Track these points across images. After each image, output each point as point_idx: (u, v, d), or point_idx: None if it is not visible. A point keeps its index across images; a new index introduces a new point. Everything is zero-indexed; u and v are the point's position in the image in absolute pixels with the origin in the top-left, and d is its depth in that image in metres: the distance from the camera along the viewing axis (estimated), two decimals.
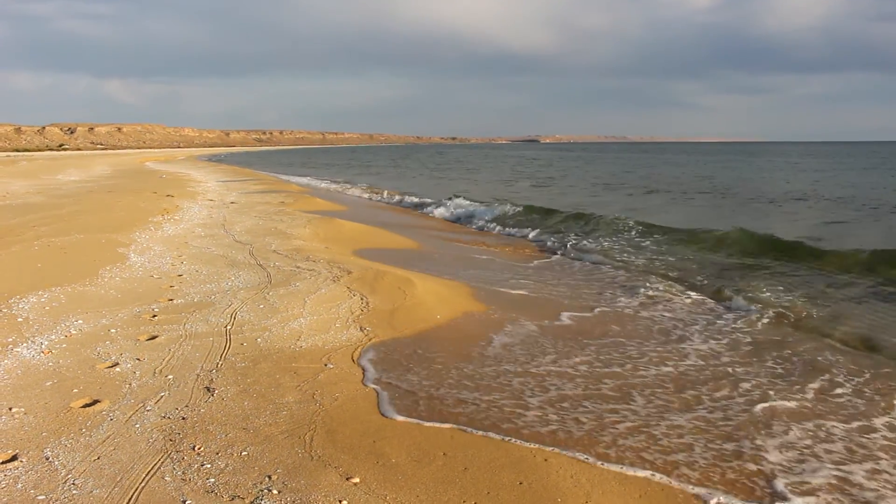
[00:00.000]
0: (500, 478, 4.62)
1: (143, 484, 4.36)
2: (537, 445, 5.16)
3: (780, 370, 7.19)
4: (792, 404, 6.21)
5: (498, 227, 20.06)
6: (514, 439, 5.25)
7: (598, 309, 9.66)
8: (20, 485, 4.34)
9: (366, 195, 33.02)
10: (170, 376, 6.26)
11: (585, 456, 5.06)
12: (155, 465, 4.62)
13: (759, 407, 6.11)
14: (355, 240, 15.54)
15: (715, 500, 4.53)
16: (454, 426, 5.44)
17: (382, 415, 5.61)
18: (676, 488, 4.68)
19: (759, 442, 5.41)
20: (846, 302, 10.23)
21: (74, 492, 4.26)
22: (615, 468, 4.90)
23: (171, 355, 6.85)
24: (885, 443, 5.49)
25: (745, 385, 6.68)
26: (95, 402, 5.65)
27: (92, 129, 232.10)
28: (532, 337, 8.09)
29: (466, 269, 12.60)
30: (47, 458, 4.68)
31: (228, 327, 7.83)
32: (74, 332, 7.52)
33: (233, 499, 4.23)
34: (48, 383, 6.01)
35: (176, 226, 16.56)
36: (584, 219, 19.64)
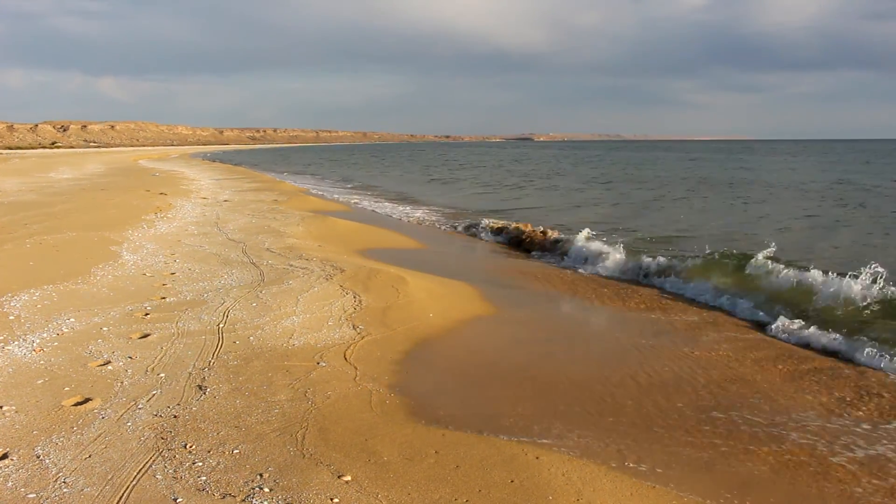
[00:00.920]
0: (491, 476, 4.63)
1: (134, 482, 4.36)
2: (529, 439, 5.18)
3: None
4: None
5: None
6: (504, 436, 5.27)
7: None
8: (11, 483, 4.33)
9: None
10: (162, 374, 6.25)
11: (577, 454, 5.07)
12: (146, 463, 4.61)
13: None
14: (349, 238, 15.54)
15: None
16: (445, 429, 5.46)
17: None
18: (669, 488, 4.70)
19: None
20: None
21: (65, 490, 4.26)
22: (606, 466, 4.92)
23: (164, 353, 6.84)
24: None
25: None
26: (87, 400, 5.64)
27: (85, 126, 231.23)
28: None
29: None
30: (38, 457, 4.67)
31: (221, 325, 7.82)
32: (66, 330, 7.50)
33: (224, 497, 4.22)
34: (39, 381, 6.00)
35: (169, 224, 16.53)
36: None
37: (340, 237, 15.57)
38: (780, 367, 7.29)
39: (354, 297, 9.13)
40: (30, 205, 19.95)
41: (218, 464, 4.63)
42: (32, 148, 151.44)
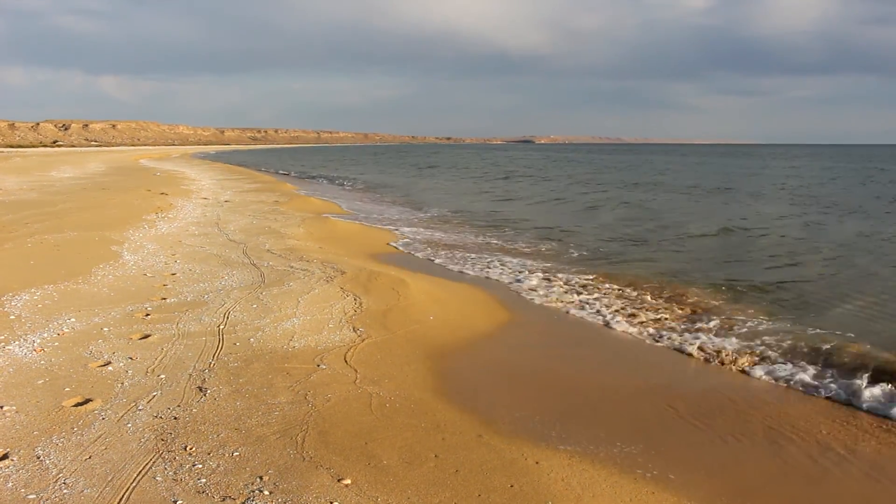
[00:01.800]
0: (491, 480, 4.63)
1: (134, 484, 4.36)
2: (527, 442, 5.18)
3: None
4: None
5: None
6: (504, 440, 5.27)
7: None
8: (11, 483, 4.33)
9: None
10: (162, 376, 6.26)
11: (577, 459, 5.08)
12: (146, 464, 4.62)
13: None
14: (350, 240, 15.55)
15: None
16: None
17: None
18: (668, 493, 4.70)
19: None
20: None
21: (65, 491, 4.26)
22: (606, 472, 4.92)
23: (164, 354, 6.84)
24: None
25: None
26: (87, 401, 5.65)
27: (86, 125, 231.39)
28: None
29: None
30: (38, 457, 4.68)
31: (221, 327, 7.82)
32: (67, 330, 7.50)
33: (224, 499, 4.23)
34: (40, 382, 6.00)
35: (170, 224, 16.54)
36: None
37: (341, 239, 15.57)
38: None
39: (355, 300, 9.13)
40: (31, 203, 19.97)
41: (218, 466, 4.63)
42: (34, 146, 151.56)
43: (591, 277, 11.73)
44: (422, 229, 18.39)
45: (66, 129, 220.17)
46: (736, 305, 9.79)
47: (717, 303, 9.93)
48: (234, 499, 4.24)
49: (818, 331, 8.41)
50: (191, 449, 4.86)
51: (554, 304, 10.02)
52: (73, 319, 7.89)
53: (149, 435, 5.06)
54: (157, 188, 27.79)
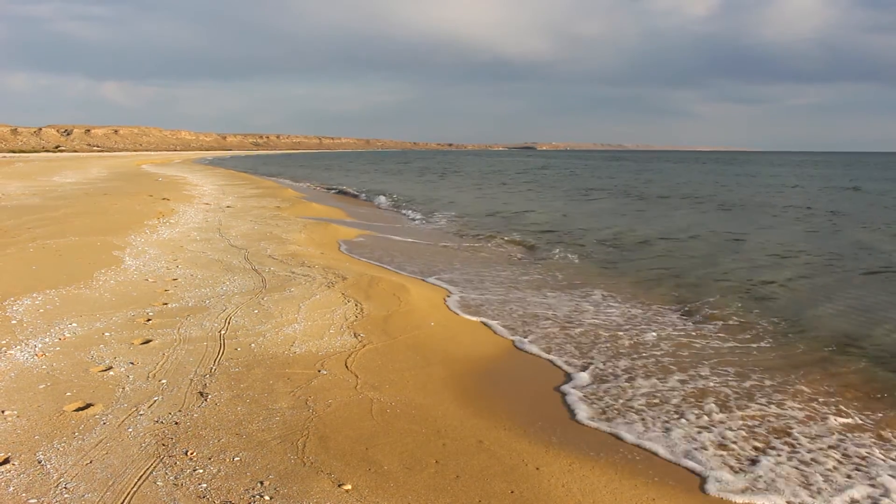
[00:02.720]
0: (491, 486, 4.64)
1: (135, 489, 4.37)
2: (528, 448, 5.19)
3: None
4: None
5: None
6: (503, 445, 5.27)
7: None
8: (12, 488, 4.34)
9: None
10: (163, 381, 6.27)
11: (577, 465, 5.08)
12: (147, 469, 4.62)
13: None
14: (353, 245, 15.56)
15: None
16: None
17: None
18: (668, 500, 4.70)
19: None
20: None
21: (66, 496, 4.27)
22: (606, 478, 4.93)
23: (165, 359, 6.85)
24: None
25: None
26: (89, 405, 5.66)
27: (88, 130, 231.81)
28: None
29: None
30: (40, 462, 4.68)
31: (223, 332, 7.83)
32: (68, 335, 7.52)
33: None
34: (41, 386, 6.01)
35: (171, 229, 16.56)
36: None
37: (344, 244, 15.59)
38: None
39: (356, 305, 9.15)
40: (33, 209, 20.00)
41: (219, 471, 4.64)
42: (36, 151, 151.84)
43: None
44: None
45: (68, 134, 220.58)
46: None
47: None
48: None
49: None
50: (192, 454, 4.86)
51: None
52: (74, 324, 7.90)
53: (150, 440, 5.07)
54: (158, 193, 27.83)
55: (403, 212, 25.42)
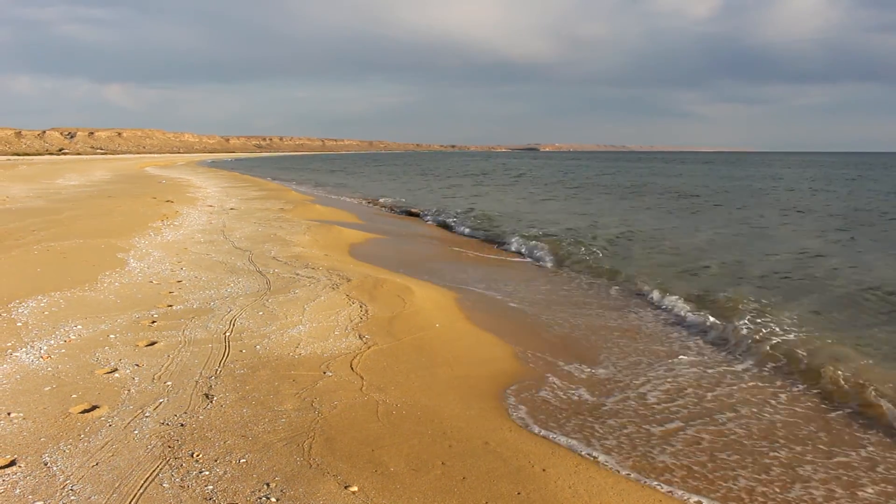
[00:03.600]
0: (498, 487, 4.62)
1: (141, 491, 4.36)
2: (534, 450, 5.17)
3: None
4: None
5: None
6: (510, 446, 5.26)
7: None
8: (18, 490, 4.33)
9: None
10: (168, 383, 6.26)
11: (584, 466, 5.07)
12: (153, 471, 4.62)
13: None
14: (357, 247, 15.56)
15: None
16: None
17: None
18: (674, 500, 4.69)
19: None
20: None
21: (73, 498, 4.26)
22: (613, 479, 4.91)
23: (171, 361, 6.85)
24: None
25: None
26: (94, 407, 5.65)
27: (92, 133, 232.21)
28: None
29: None
30: (46, 464, 4.68)
31: (227, 334, 7.83)
32: (74, 337, 7.52)
33: None
34: (47, 388, 6.01)
35: (175, 231, 16.57)
36: None
37: (347, 246, 15.59)
38: None
39: (361, 307, 9.14)
40: (37, 211, 20.02)
41: (225, 473, 4.63)
42: (40, 154, 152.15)
43: None
44: None
45: (71, 137, 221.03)
46: None
47: None
48: None
49: None
50: (197, 456, 4.85)
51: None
52: (79, 326, 7.90)
53: (155, 442, 5.06)
54: (162, 196, 27.85)
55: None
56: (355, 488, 4.50)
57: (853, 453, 5.61)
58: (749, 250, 16.21)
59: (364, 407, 5.91)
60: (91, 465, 4.69)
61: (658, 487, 4.88)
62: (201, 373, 6.56)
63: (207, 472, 4.62)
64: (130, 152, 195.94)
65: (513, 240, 17.70)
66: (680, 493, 4.84)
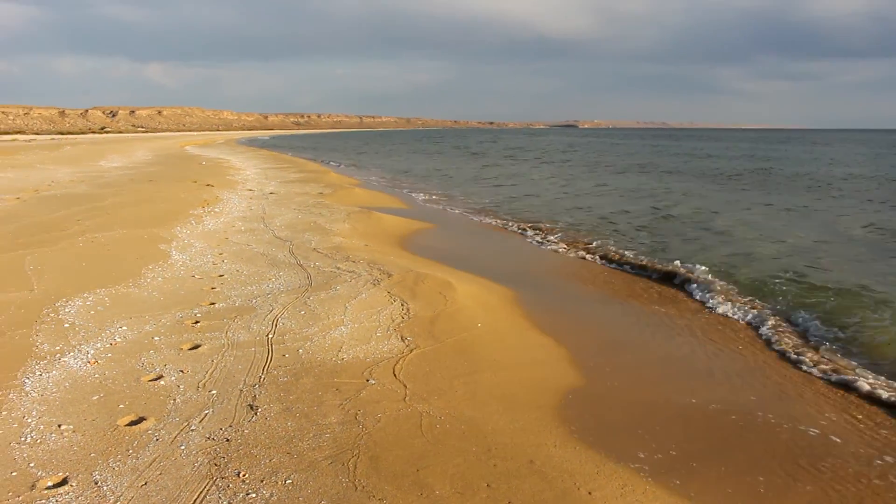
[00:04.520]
0: None
1: None
2: (579, 470, 5.09)
3: None
4: None
5: None
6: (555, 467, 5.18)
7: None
8: None
9: None
10: (213, 391, 6.28)
11: (629, 489, 4.98)
12: (201, 492, 4.62)
13: None
14: (396, 237, 15.54)
15: None
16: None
17: None
18: None
19: None
20: None
21: None
22: (660, 502, 4.82)
23: (214, 367, 6.87)
24: None
25: None
26: (141, 419, 5.69)
27: (133, 112, 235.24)
28: None
29: None
30: (96, 483, 4.71)
31: (270, 336, 7.84)
32: (119, 339, 7.59)
33: None
34: (95, 397, 6.06)
35: (216, 219, 16.69)
36: None
37: (387, 236, 15.57)
38: None
39: (402, 305, 9.09)
40: (81, 198, 20.31)
41: (271, 495, 4.61)
42: (83, 133, 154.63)
43: None
44: None
45: (113, 115, 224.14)
46: None
47: None
48: None
49: None
50: (244, 475, 4.85)
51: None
52: (124, 327, 7.97)
53: (202, 459, 5.07)
54: (203, 179, 28.10)
55: None
56: None
57: None
58: None
59: (408, 420, 5.85)
60: (140, 484, 4.71)
61: None
62: (245, 380, 6.56)
63: (254, 495, 4.61)
64: (170, 130, 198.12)
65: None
66: None
